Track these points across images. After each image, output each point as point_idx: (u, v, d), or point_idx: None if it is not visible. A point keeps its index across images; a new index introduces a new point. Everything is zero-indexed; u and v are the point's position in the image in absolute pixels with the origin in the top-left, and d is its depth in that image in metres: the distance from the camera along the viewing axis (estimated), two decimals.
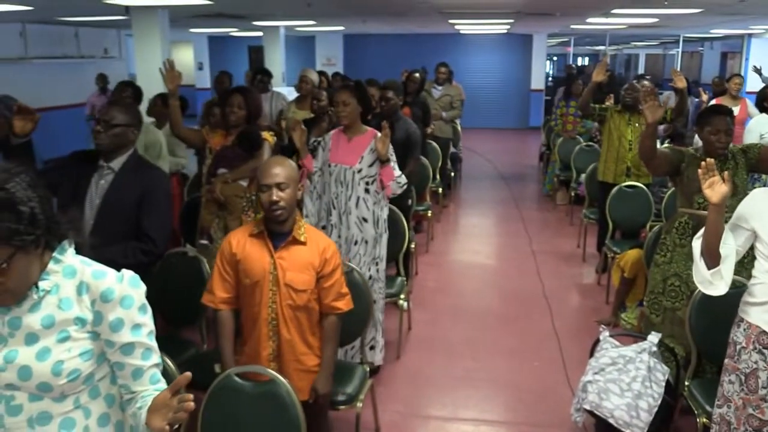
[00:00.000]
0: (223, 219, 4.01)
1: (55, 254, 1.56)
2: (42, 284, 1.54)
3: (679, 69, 9.57)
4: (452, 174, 8.92)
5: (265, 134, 4.07)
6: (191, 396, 1.43)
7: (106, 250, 2.03)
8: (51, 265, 1.55)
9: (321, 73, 6.79)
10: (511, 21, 10.73)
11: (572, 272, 6.12)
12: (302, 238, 2.61)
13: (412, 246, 5.27)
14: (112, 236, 2.69)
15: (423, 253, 6.49)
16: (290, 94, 6.81)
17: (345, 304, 2.72)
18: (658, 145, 4.22)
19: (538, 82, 16.20)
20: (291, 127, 3.89)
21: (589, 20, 10.21)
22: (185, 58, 16.70)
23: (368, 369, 3.24)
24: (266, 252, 2.60)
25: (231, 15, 9.18)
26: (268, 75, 7.02)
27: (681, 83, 4.99)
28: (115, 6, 6.60)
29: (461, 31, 14.60)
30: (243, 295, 2.65)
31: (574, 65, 15.57)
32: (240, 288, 2.64)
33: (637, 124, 5.46)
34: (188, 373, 1.45)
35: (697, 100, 8.59)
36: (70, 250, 1.59)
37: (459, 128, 9.50)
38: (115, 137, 2.88)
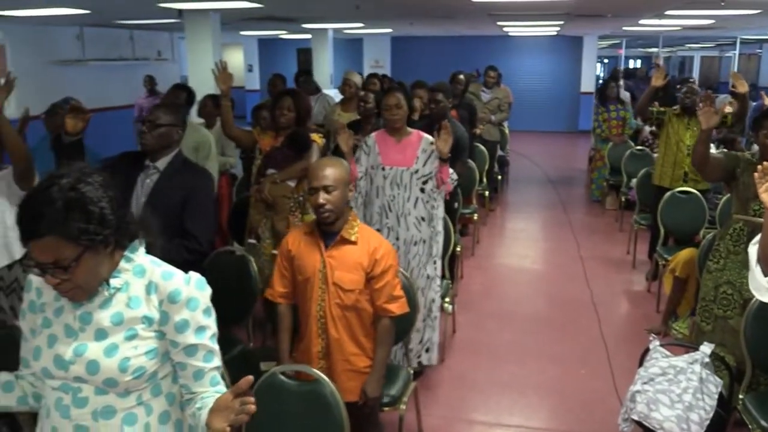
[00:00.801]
0: (270, 219, 4.06)
1: (126, 253, 1.59)
2: (113, 282, 1.57)
3: (736, 71, 9.30)
4: (499, 177, 8.84)
5: (314, 136, 4.13)
6: (253, 399, 1.45)
7: (150, 247, 2.09)
8: (122, 264, 1.58)
9: (376, 76, 6.75)
10: (561, 23, 10.59)
11: (621, 279, 5.99)
12: (353, 238, 2.62)
13: (458, 249, 5.25)
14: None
15: (469, 256, 6.45)
16: (337, 96, 6.84)
17: (398, 308, 2.69)
18: (713, 150, 4.10)
19: (588, 85, 15.92)
20: (336, 131, 3.91)
21: (642, 22, 9.99)
22: (235, 60, 16.99)
23: (412, 372, 3.24)
24: (317, 250, 2.64)
25: (280, 18, 9.31)
26: (308, 74, 7.06)
27: (742, 88, 4.84)
28: (168, 9, 6.76)
29: (510, 33, 14.47)
30: (297, 292, 2.70)
31: (620, 68, 15.23)
32: (295, 284, 2.70)
33: (695, 128, 5.30)
34: (250, 377, 1.47)
35: (754, 103, 8.33)
36: (141, 250, 1.63)
37: (507, 131, 9.42)
38: (159, 137, 2.92)
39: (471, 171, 6.33)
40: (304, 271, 2.64)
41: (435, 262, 3.85)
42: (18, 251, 3.10)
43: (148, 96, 10.09)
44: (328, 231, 2.64)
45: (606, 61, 26.06)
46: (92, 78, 10.58)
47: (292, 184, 4.05)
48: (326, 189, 2.56)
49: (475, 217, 6.58)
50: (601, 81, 18.77)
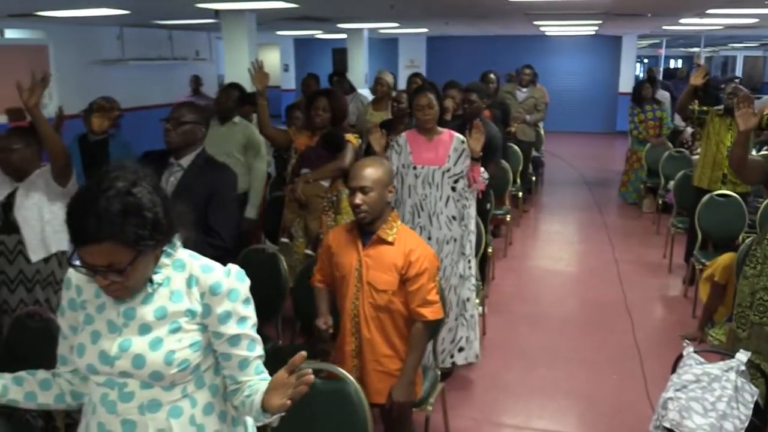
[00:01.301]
0: (303, 218, 4.08)
1: (166, 248, 1.60)
2: (155, 277, 1.58)
3: None
4: (533, 178, 8.75)
5: (350, 136, 4.14)
6: (310, 370, 1.46)
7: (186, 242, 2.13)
8: (162, 259, 1.60)
9: (419, 76, 6.73)
10: (599, 22, 10.44)
11: (657, 283, 5.89)
12: (389, 239, 2.62)
13: (490, 250, 5.23)
14: None
15: (501, 257, 6.41)
16: (371, 96, 6.85)
17: (431, 313, 2.65)
18: (753, 153, 4.00)
19: (626, 85, 15.64)
20: (369, 131, 3.93)
21: (682, 21, 9.79)
22: (272, 59, 17.14)
23: (440, 372, 3.23)
24: (355, 249, 2.66)
25: (316, 18, 9.36)
26: (342, 75, 7.07)
27: None
28: (205, 10, 6.85)
29: (546, 33, 14.31)
30: (335, 288, 2.74)
31: (657, 68, 14.91)
32: (334, 279, 2.74)
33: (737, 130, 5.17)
34: (303, 353, 1.47)
35: None
36: (179, 244, 1.64)
37: (542, 132, 9.32)
38: (184, 135, 2.96)
39: (504, 171, 6.28)
40: (341, 268, 2.68)
41: (469, 261, 3.84)
42: (54, 246, 3.18)
43: (192, 95, 9.93)
44: (367, 230, 2.66)
45: (646, 60, 25.60)
46: (132, 77, 10.78)
47: (325, 183, 4.05)
48: (363, 190, 2.58)
49: (508, 218, 6.53)
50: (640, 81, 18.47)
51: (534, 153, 8.62)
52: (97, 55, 10.36)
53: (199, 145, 3.04)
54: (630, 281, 5.89)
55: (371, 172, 2.60)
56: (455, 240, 3.75)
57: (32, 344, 2.68)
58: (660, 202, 7.43)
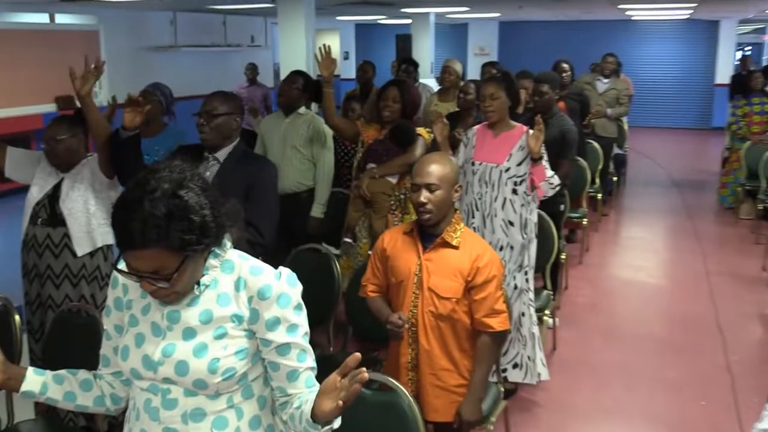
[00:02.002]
0: (368, 217, 4.10)
1: (214, 249, 1.60)
2: (202, 279, 1.59)
3: None
4: (615, 178, 8.56)
5: (421, 130, 4.16)
6: (363, 368, 1.45)
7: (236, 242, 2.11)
8: (210, 260, 1.60)
9: (494, 65, 6.50)
10: (695, 5, 10.12)
11: (754, 299, 5.66)
12: (454, 242, 2.60)
13: (563, 257, 5.14)
14: None
15: (575, 265, 6.30)
16: (437, 87, 6.85)
17: (499, 323, 2.63)
18: None
19: (724, 76, 15.11)
20: (433, 121, 3.93)
21: None
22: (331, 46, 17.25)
23: (503, 389, 3.20)
24: (415, 252, 2.64)
25: (378, 2, 9.41)
26: (414, 65, 7.02)
27: None
28: None
29: (633, 18, 13.97)
30: (390, 296, 2.72)
31: (750, 58, 14.27)
32: (389, 286, 2.72)
33: None
34: (357, 354, 1.46)
35: None
36: (229, 245, 1.65)
37: (625, 127, 9.10)
38: (218, 128, 3.00)
39: (581, 170, 6.16)
40: (399, 273, 2.65)
41: (526, 273, 3.77)
42: (100, 239, 3.29)
43: (248, 85, 9.68)
44: (428, 232, 2.64)
45: (748, 49, 24.62)
46: (185, 64, 11.08)
47: (393, 180, 4.06)
48: (429, 187, 2.57)
49: (585, 222, 6.40)
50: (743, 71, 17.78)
51: (616, 150, 8.42)
52: (149, 41, 10.70)
53: (234, 137, 3.07)
54: (722, 295, 5.70)
55: (438, 168, 2.59)
56: (511, 248, 3.68)
57: (75, 342, 2.75)
58: (760, 207, 7.15)
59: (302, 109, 4.63)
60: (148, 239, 1.44)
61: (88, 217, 3.26)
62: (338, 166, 4.84)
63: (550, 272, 4.42)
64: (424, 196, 2.56)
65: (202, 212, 1.49)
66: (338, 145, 4.98)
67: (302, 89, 4.67)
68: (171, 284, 1.50)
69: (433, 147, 4.12)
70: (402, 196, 4.03)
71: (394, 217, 4.02)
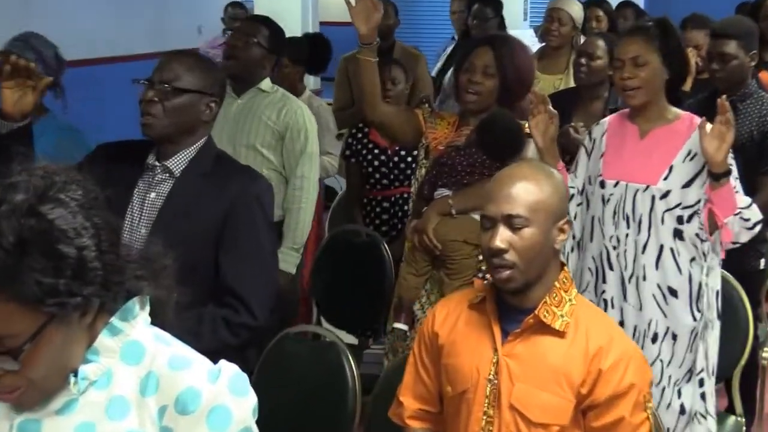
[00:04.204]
0: (438, 284, 3.07)
1: (113, 320, 1.27)
2: (85, 370, 1.25)
3: None
4: None
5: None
6: None
7: (159, 311, 1.55)
8: (103, 338, 1.27)
9: (630, 5, 5.20)
10: None
11: None
12: (558, 324, 2.00)
13: (763, 354, 3.63)
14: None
15: None
16: (535, 45, 4.96)
17: None
18: None
19: None
20: (528, 110, 2.90)
21: None
22: None
23: None
24: (488, 340, 2.08)
25: None
26: (494, 5, 5.23)
27: None
28: None
29: None
30: (446, 415, 2.18)
31: None
32: (443, 400, 2.17)
33: None
34: None
35: None
36: (142, 316, 1.31)
37: None
38: (176, 112, 2.34)
39: None
40: (459, 378, 2.10)
41: (701, 383, 2.77)
42: None
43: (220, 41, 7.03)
44: (510, 304, 2.07)
45: None
46: (83, 2, 7.61)
47: None
48: (510, 222, 1.98)
49: None
50: None
51: None
52: None
53: (202, 133, 2.42)
54: None
55: (528, 189, 2.01)
56: (674, 337, 2.78)
57: None
58: None
59: (265, 83, 3.64)
60: None
61: None
62: (366, 179, 3.98)
63: (739, 383, 3.18)
64: (502, 237, 1.99)
65: (78, 241, 1.17)
66: (358, 143, 4.00)
67: (267, 48, 3.63)
68: (21, 365, 1.17)
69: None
70: None
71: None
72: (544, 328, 1.99)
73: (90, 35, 7.19)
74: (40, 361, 1.20)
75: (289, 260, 3.55)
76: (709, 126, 2.55)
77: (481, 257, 3.01)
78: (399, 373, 2.38)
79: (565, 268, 2.11)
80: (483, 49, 3.01)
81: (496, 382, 2.02)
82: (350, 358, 2.59)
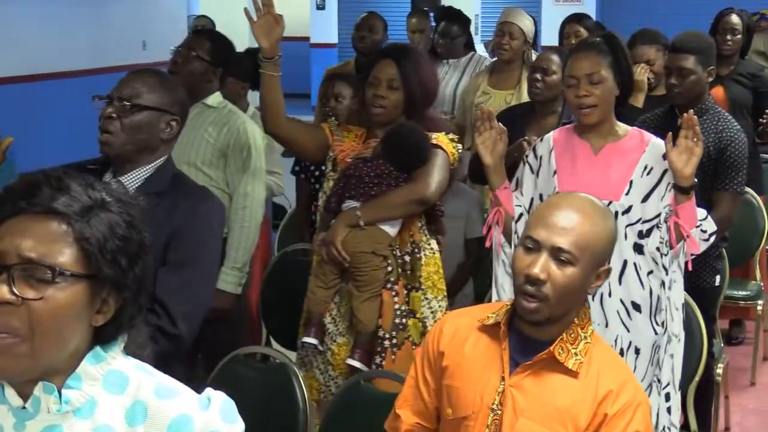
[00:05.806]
0: (346, 297, 3.18)
1: (97, 347, 1.29)
2: (69, 395, 1.25)
3: None
4: None
5: (439, 137, 3.24)
6: None
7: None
8: (87, 366, 1.27)
9: (582, 20, 4.89)
10: None
11: None
12: (572, 364, 1.93)
13: (718, 371, 3.69)
14: None
15: (742, 387, 4.49)
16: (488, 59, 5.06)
17: None
18: None
19: None
20: (474, 124, 3.19)
21: None
22: None
23: None
24: (495, 367, 2.03)
25: None
26: (461, 23, 5.25)
27: None
28: None
29: None
30: None
31: None
32: (441, 421, 2.13)
33: None
34: None
35: None
36: (119, 345, 1.34)
37: None
38: (135, 129, 2.42)
39: (752, 210, 4.51)
40: (462, 401, 2.05)
41: (667, 396, 2.97)
42: None
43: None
44: (526, 333, 2.01)
45: None
46: (18, 13, 7.18)
47: (390, 230, 3.17)
48: (557, 254, 1.91)
49: (760, 307, 4.54)
50: None
51: None
52: None
53: (163, 150, 2.51)
54: None
55: (585, 227, 1.95)
56: (637, 351, 2.97)
57: None
58: None
59: (212, 99, 3.72)
60: (50, 201, 1.21)
61: None
62: (306, 201, 4.08)
63: (694, 399, 3.32)
64: (543, 267, 1.90)
65: (139, 236, 1.29)
66: (298, 164, 4.15)
67: (209, 61, 3.70)
68: (29, 307, 1.17)
69: (471, 168, 3.56)
70: (407, 258, 3.17)
71: (394, 296, 3.17)
72: (556, 365, 1.98)
73: (30, 52, 7.00)
74: (50, 313, 1.20)
75: (228, 280, 3.55)
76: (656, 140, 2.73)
77: (390, 269, 3.16)
78: (351, 394, 2.58)
79: (588, 308, 2.10)
80: (386, 62, 3.13)
81: (499, 412, 2.02)
82: (300, 379, 2.71)
